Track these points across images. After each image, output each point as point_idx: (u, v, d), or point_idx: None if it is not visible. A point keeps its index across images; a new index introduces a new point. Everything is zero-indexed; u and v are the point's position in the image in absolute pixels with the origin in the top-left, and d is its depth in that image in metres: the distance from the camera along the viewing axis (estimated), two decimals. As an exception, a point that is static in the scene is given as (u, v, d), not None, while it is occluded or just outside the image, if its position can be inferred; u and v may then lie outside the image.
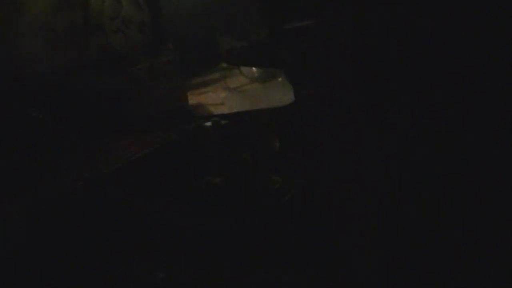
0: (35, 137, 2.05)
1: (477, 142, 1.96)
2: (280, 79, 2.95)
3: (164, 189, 2.14)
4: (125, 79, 2.09)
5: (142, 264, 1.95)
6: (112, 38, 2.12)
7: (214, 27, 3.17)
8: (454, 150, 1.99)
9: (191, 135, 2.24)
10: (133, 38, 2.20)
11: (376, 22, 1.99)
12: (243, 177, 2.19)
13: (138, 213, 2.07)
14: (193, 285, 1.91)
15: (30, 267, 1.85)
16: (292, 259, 1.93)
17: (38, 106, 2.06)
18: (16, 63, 1.96)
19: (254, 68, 3.02)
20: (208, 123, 2.29)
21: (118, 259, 1.96)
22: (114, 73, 2.12)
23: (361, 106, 2.16)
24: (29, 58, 1.98)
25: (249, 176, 2.18)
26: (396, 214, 1.93)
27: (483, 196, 1.87)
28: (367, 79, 2.07)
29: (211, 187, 2.17)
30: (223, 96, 2.96)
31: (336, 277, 1.81)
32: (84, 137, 2.13)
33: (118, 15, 2.14)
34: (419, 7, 2.04)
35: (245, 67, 3.02)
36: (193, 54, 2.98)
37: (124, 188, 2.05)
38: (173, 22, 2.58)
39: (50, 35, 2.01)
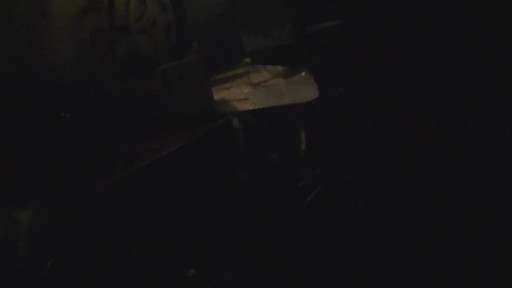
0: (64, 139, 2.08)
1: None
2: (303, 74, 2.95)
3: (191, 186, 2.16)
4: (153, 81, 2.10)
5: (174, 260, 1.98)
6: (138, 39, 2.14)
7: (237, 24, 3.18)
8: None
9: (219, 132, 2.25)
10: (159, 39, 2.21)
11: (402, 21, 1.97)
12: (270, 176, 2.20)
13: (167, 210, 2.10)
14: (225, 281, 1.94)
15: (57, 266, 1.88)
16: (317, 261, 1.94)
17: (66, 109, 2.08)
18: (44, 68, 1.99)
19: (277, 64, 3.02)
20: (235, 121, 2.31)
21: (148, 256, 1.99)
22: (141, 75, 2.14)
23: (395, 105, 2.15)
24: (56, 63, 2.00)
25: (276, 175, 2.19)
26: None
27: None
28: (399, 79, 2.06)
29: (238, 184, 2.18)
30: (247, 91, 2.97)
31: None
32: (112, 139, 2.15)
33: (143, 16, 2.15)
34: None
35: (268, 63, 3.02)
36: (218, 51, 2.99)
37: (154, 185, 2.08)
38: (197, 21, 2.59)
39: (76, 40, 2.03)
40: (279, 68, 3.03)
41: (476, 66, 1.88)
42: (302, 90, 2.82)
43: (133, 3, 2.09)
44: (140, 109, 2.12)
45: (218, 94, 2.87)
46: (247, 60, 3.22)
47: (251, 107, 2.72)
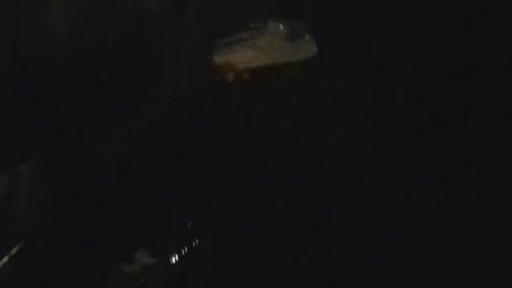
0: (58, 117, 2.14)
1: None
2: (307, 37, 2.99)
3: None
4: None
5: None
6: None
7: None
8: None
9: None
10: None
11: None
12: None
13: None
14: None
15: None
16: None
17: (64, 85, 2.14)
18: (39, 46, 2.04)
19: (281, 26, 3.05)
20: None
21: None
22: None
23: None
24: (52, 40, 2.05)
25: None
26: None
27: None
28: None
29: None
30: (251, 55, 3.02)
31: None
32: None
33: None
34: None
35: (272, 26, 3.06)
36: (222, 14, 3.02)
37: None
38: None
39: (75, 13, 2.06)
40: (284, 31, 3.07)
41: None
42: (304, 50, 2.89)
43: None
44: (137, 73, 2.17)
45: (222, 57, 2.92)
46: (251, 24, 3.25)
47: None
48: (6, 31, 2.03)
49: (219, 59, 2.79)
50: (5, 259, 1.83)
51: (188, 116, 2.22)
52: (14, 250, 1.84)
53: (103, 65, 2.19)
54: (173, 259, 2.04)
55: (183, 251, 2.03)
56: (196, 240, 2.04)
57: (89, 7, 2.16)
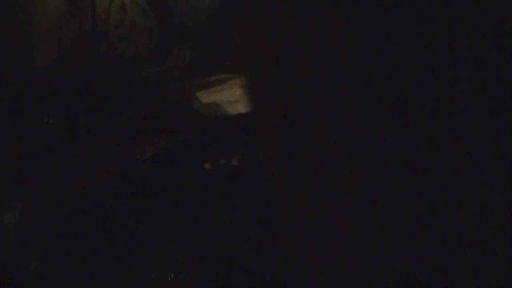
0: (45, 140, 2.13)
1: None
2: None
3: (173, 187, 2.19)
4: (133, 83, 2.15)
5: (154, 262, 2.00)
6: (118, 45, 2.19)
7: (229, 25, 3.19)
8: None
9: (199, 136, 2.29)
10: (140, 43, 2.26)
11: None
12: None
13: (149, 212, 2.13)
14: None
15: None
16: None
17: (49, 110, 2.13)
18: (28, 68, 2.04)
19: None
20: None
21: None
22: (123, 77, 2.19)
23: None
24: (41, 65, 2.06)
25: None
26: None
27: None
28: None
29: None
30: (239, 93, 2.98)
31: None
32: (94, 140, 2.20)
33: (123, 22, 2.20)
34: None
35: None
36: (209, 53, 3.01)
37: (136, 188, 2.11)
38: (187, 23, 2.61)
39: (59, 42, 2.08)
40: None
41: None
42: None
43: (114, 9, 2.15)
44: (123, 111, 2.17)
45: (209, 97, 2.90)
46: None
47: (242, 111, 2.75)
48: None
49: (207, 99, 2.76)
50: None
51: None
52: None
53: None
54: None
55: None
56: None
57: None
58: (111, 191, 2.14)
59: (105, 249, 2.05)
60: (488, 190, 1.14)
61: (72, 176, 2.10)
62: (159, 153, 2.22)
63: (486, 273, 1.42)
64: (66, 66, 2.08)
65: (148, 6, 2.27)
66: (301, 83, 0.77)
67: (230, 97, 2.93)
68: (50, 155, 2.12)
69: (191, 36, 2.65)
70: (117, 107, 2.15)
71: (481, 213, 1.32)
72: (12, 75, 2.03)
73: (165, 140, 2.22)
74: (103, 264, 1.99)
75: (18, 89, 2.05)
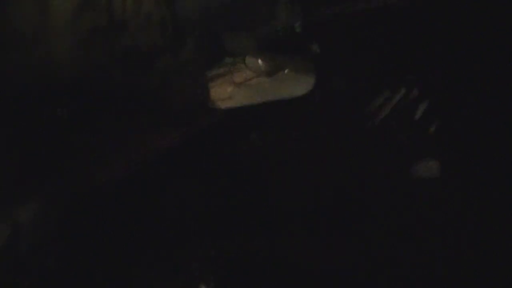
0: (60, 136, 2.07)
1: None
2: (286, 71, 2.98)
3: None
4: (151, 76, 2.11)
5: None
6: (135, 35, 2.14)
7: (217, 22, 3.18)
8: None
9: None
10: (155, 34, 2.22)
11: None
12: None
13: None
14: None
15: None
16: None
17: (64, 105, 2.07)
18: (43, 65, 1.98)
19: (260, 61, 3.03)
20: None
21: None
22: (139, 70, 2.14)
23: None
24: (55, 60, 2.00)
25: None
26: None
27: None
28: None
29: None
30: (230, 90, 2.96)
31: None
32: (109, 134, 2.15)
33: (139, 14, 2.16)
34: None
35: (250, 61, 3.04)
36: (196, 50, 2.98)
37: (150, 182, 2.08)
38: (193, 16, 2.58)
39: (75, 36, 2.03)
40: (262, 66, 3.06)
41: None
42: (286, 87, 2.87)
43: (130, 0, 2.11)
44: (139, 105, 2.13)
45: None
46: (229, 59, 3.23)
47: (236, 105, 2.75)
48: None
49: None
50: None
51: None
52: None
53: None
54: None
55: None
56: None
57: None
58: (125, 186, 2.09)
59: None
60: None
61: (86, 172, 2.05)
62: (174, 146, 2.19)
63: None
64: (82, 58, 2.02)
65: (161, -4, 2.24)
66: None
67: (222, 95, 2.93)
68: (63, 150, 2.06)
69: (199, 29, 2.62)
70: (134, 99, 2.11)
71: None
72: (26, 68, 1.96)
73: (181, 133, 2.20)
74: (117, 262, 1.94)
75: (32, 82, 1.98)
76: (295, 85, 2.88)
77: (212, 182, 2.22)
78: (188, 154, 2.21)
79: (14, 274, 1.78)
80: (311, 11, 2.34)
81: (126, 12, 2.09)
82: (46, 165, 2.01)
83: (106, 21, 2.03)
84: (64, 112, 2.04)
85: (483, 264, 1.92)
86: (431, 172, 2.04)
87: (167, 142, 2.15)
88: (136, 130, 2.13)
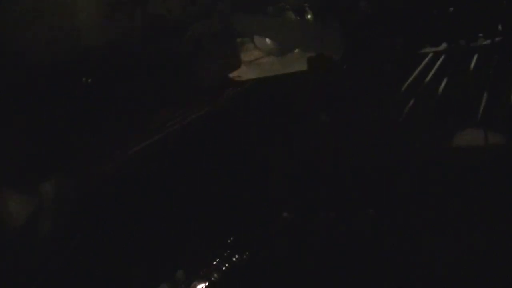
0: (89, 106, 2.01)
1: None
2: (296, 51, 2.97)
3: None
4: (183, 41, 2.06)
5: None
6: (167, 3, 2.10)
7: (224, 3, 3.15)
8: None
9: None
10: (186, 2, 2.18)
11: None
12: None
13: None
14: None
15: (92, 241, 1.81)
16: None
17: (93, 74, 2.01)
18: (70, 33, 1.92)
19: (268, 41, 3.01)
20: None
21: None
22: (171, 37, 2.09)
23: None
24: (83, 28, 1.94)
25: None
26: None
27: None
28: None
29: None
30: (239, 69, 2.95)
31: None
32: (133, 104, 2.10)
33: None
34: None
35: (259, 41, 3.01)
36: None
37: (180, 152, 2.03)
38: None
39: (103, 6, 1.97)
40: (271, 45, 3.03)
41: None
42: (296, 67, 2.85)
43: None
44: (170, 74, 2.07)
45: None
46: (237, 39, 3.19)
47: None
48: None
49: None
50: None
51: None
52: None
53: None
54: (214, 276, 1.91)
55: (223, 267, 1.91)
56: (236, 255, 1.94)
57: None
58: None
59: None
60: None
61: (107, 148, 1.99)
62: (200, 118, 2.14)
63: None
64: (108, 28, 1.96)
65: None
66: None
67: (231, 74, 2.90)
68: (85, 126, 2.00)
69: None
70: (161, 69, 2.05)
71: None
72: (50, 40, 1.89)
73: (206, 108, 2.15)
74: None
75: (57, 54, 1.92)
76: (304, 66, 2.88)
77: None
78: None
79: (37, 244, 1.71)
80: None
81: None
82: (68, 144, 1.95)
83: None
84: (88, 80, 1.99)
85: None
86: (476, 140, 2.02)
87: (192, 115, 2.10)
88: (163, 99, 2.08)
